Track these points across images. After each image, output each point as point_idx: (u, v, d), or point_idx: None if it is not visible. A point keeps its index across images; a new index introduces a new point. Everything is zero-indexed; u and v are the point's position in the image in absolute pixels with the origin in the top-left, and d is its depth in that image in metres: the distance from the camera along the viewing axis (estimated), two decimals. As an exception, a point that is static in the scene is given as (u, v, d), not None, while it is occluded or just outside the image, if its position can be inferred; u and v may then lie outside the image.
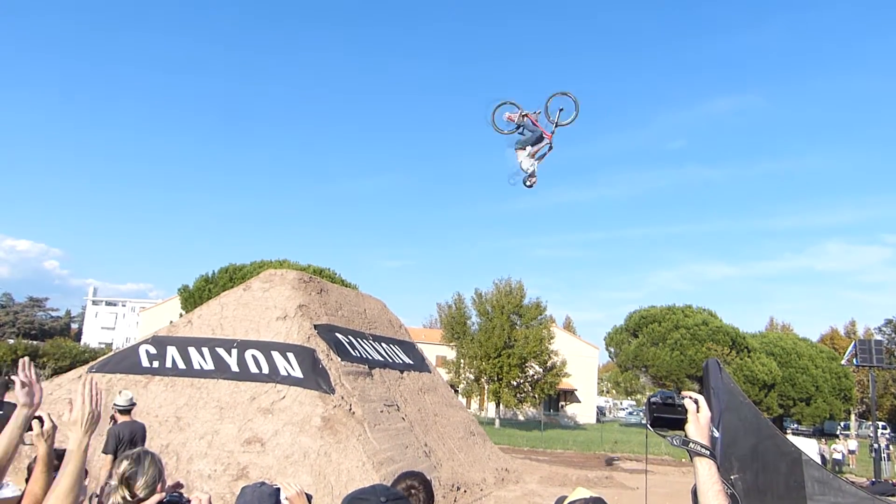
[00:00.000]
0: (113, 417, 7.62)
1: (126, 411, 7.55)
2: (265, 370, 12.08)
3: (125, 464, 2.53)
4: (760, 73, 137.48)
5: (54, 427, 2.59)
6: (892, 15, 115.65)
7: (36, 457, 2.59)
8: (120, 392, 7.96)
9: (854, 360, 23.67)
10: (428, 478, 3.04)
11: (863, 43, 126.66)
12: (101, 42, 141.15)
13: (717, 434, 8.47)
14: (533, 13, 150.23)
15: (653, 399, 1.81)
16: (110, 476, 2.64)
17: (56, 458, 2.67)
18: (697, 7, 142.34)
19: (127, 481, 2.48)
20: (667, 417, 1.79)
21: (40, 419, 2.61)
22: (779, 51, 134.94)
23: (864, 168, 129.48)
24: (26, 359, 2.60)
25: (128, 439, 7.15)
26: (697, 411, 1.78)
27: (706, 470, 1.72)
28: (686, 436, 1.77)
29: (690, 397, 1.80)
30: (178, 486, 2.85)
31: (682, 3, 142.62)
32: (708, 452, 1.72)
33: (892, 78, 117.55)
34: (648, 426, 1.83)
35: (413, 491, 2.82)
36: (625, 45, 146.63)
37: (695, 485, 1.76)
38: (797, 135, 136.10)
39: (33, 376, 2.52)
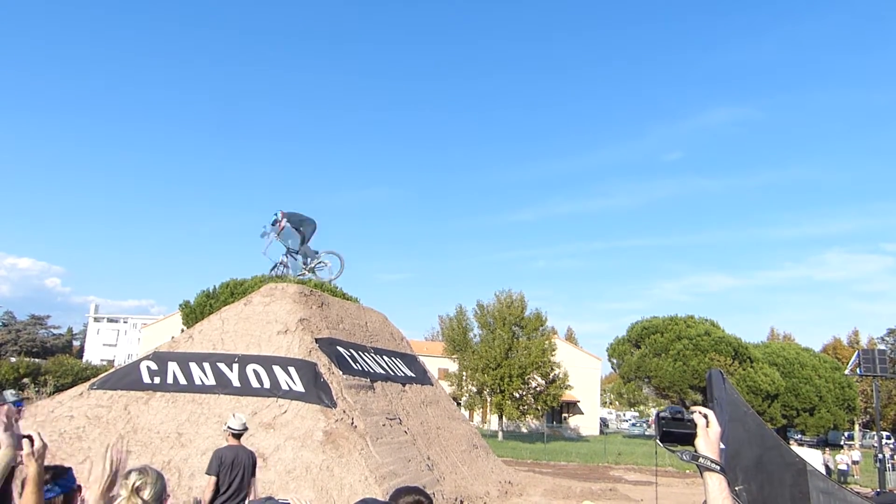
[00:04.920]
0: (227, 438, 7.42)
1: (237, 435, 7.30)
2: (266, 385, 12.04)
3: (134, 475, 2.59)
4: (757, 84, 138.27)
5: (44, 446, 2.57)
6: (888, 26, 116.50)
7: (26, 476, 2.56)
8: (234, 415, 7.67)
9: (857, 370, 23.53)
10: (429, 493, 2.98)
11: (860, 54, 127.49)
12: (100, 56, 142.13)
13: (722, 446, 8.43)
14: (529, 27, 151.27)
15: (662, 414, 1.80)
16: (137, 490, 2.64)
17: (47, 474, 2.66)
18: (693, 19, 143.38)
19: (137, 491, 2.55)
20: (676, 432, 1.78)
21: (30, 438, 2.58)
22: (775, 62, 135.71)
23: (863, 177, 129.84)
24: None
25: (229, 463, 6.93)
26: (707, 426, 1.77)
27: (716, 485, 1.71)
28: (696, 451, 1.76)
29: (700, 412, 1.80)
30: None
31: (678, 15, 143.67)
32: (718, 467, 1.72)
33: (889, 88, 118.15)
34: (658, 441, 1.83)
35: None
36: (621, 57, 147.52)
37: (705, 500, 1.75)
38: (795, 145, 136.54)
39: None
